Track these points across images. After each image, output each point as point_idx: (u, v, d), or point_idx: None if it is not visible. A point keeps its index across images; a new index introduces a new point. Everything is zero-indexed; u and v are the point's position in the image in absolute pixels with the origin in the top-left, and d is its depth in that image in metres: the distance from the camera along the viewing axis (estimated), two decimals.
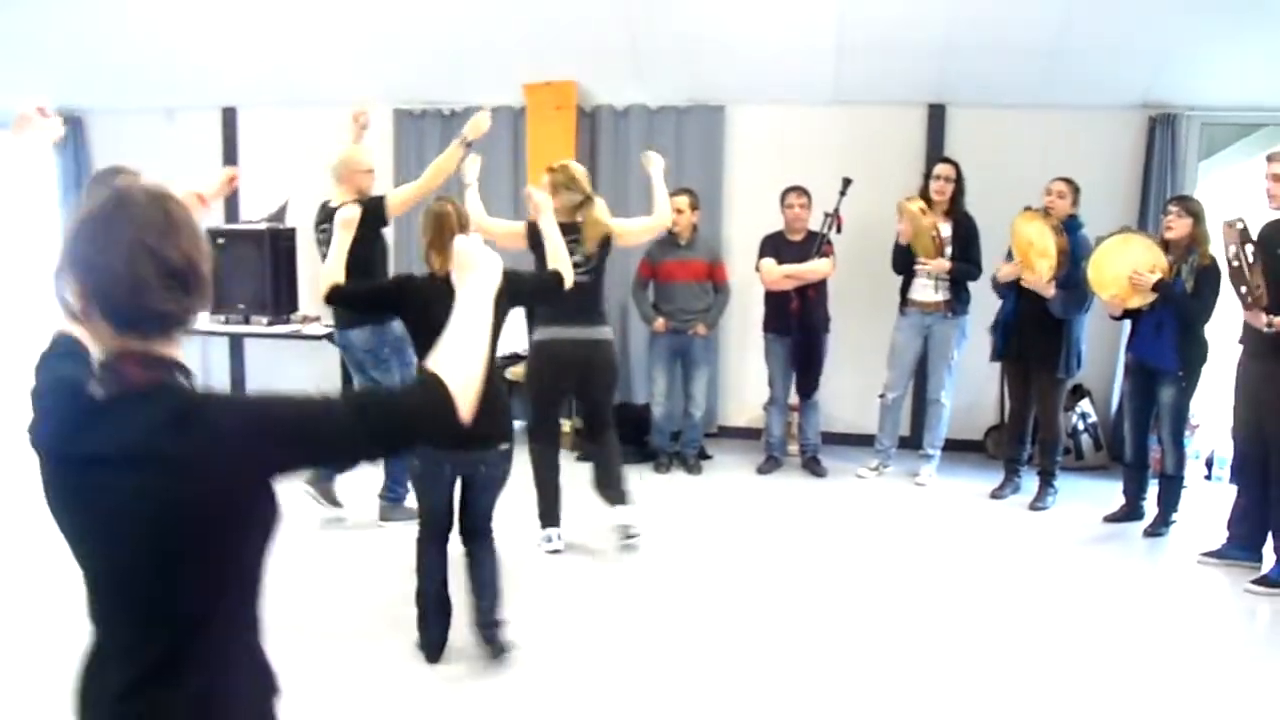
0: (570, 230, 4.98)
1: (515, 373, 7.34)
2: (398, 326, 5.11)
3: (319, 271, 4.17)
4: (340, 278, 3.99)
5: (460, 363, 1.66)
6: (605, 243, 5.27)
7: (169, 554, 1.51)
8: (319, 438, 1.58)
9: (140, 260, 1.48)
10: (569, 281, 4.17)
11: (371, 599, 4.62)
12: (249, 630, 1.67)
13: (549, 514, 5.32)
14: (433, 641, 4.04)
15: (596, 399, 5.45)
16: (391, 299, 4.23)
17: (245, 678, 1.67)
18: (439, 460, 3.89)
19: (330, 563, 5.09)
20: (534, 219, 4.60)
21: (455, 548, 4.05)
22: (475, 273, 1.82)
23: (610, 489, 5.42)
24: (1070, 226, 5.91)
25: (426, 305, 3.65)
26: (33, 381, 1.68)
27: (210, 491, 1.49)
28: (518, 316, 6.83)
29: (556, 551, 5.26)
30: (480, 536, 4.08)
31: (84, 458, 1.50)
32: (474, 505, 4.05)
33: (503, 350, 6.60)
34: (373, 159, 5.65)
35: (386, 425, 1.60)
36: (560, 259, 4.17)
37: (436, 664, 4.02)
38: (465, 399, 1.62)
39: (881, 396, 6.81)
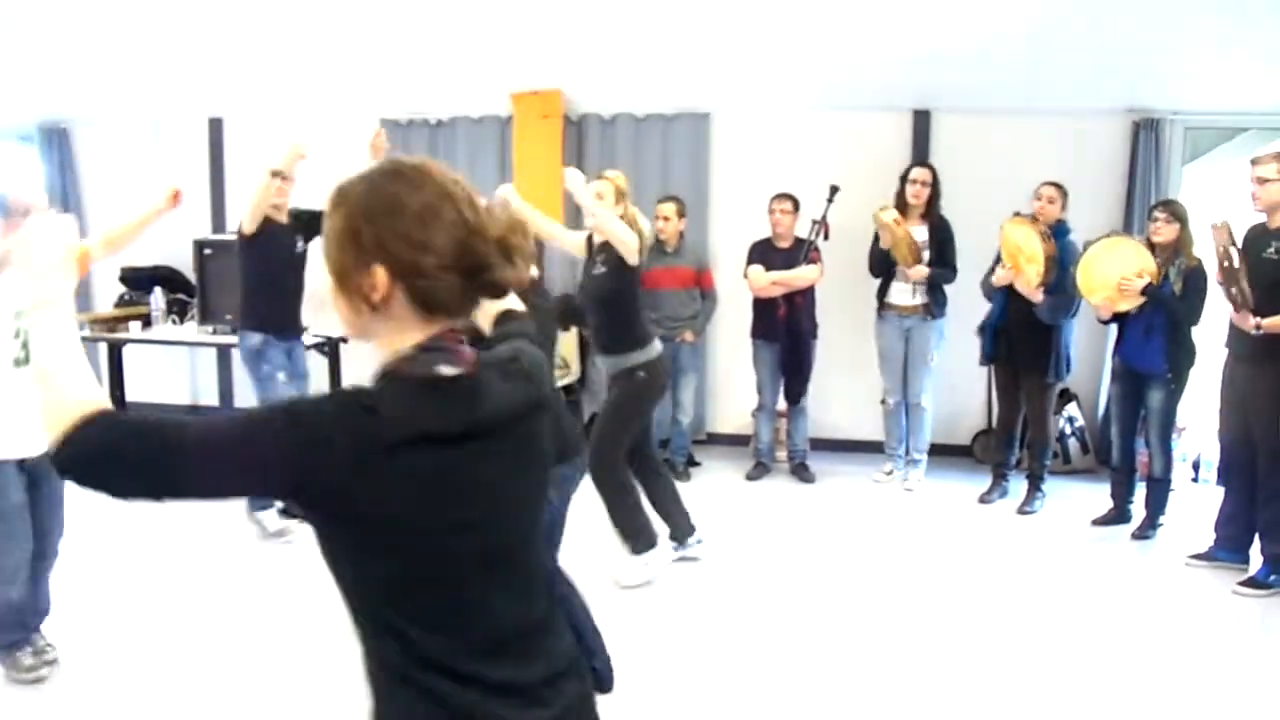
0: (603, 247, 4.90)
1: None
2: None
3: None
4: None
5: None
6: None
7: (542, 501, 1.69)
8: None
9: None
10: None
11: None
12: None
13: (684, 526, 5.27)
14: None
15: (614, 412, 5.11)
16: None
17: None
18: None
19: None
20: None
21: None
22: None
23: (635, 534, 5.06)
24: (1058, 232, 5.93)
25: None
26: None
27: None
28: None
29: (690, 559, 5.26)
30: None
31: (484, 428, 1.51)
32: None
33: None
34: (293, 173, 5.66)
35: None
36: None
37: None
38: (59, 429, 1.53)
39: (883, 402, 6.82)
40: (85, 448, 1.36)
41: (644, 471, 5.16)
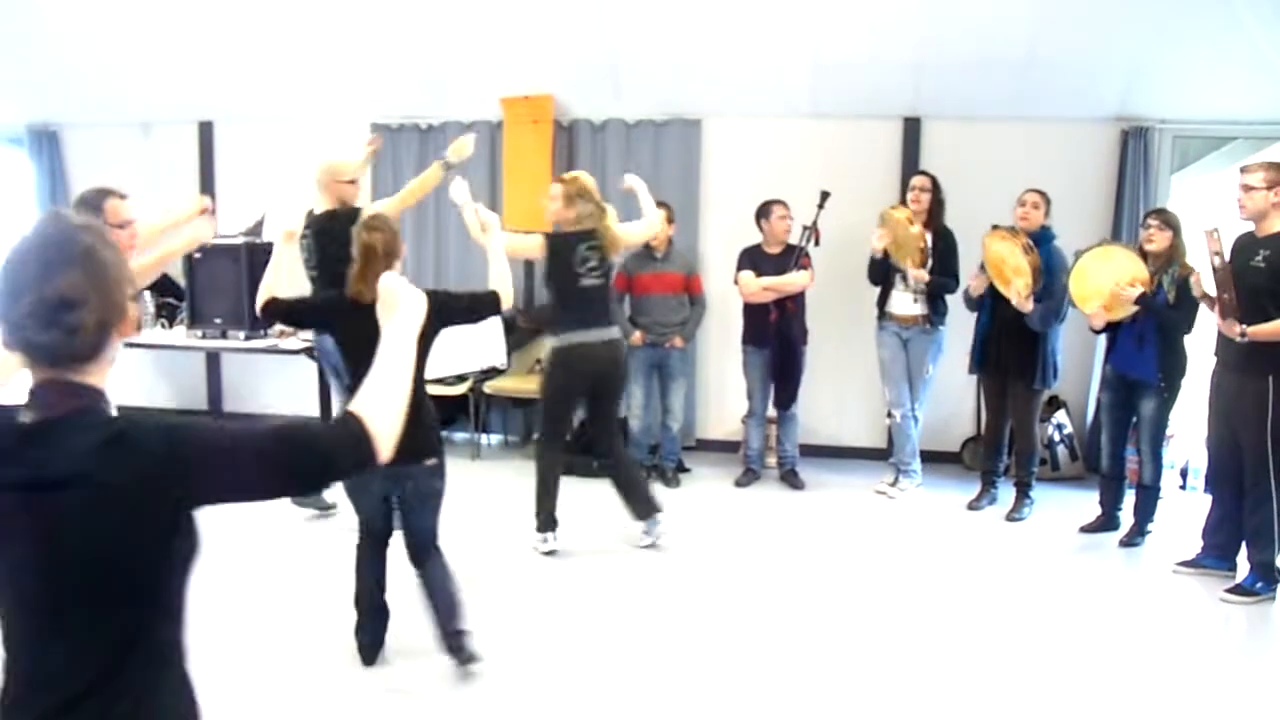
0: (587, 236, 5.29)
1: (495, 386, 7.33)
2: None
3: (286, 284, 4.16)
4: (277, 291, 4.04)
5: (382, 402, 1.70)
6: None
7: (99, 579, 1.54)
8: (241, 469, 1.60)
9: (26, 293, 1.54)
10: (507, 302, 4.11)
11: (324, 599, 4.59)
12: (175, 655, 1.68)
13: (549, 518, 5.48)
14: (365, 644, 4.11)
15: (612, 400, 5.57)
16: (318, 318, 4.44)
17: (170, 702, 1.68)
18: (365, 476, 3.77)
19: (304, 562, 5.06)
20: (477, 239, 4.62)
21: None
22: (399, 312, 1.87)
23: (642, 501, 5.55)
24: (1043, 238, 5.95)
25: (350, 328, 3.79)
26: None
27: (138, 516, 1.53)
28: (495, 331, 6.85)
29: (551, 553, 5.43)
30: (425, 555, 4.04)
31: (14, 483, 1.51)
32: (411, 524, 4.02)
33: (465, 367, 6.73)
34: (357, 171, 5.58)
35: (307, 462, 1.63)
36: (501, 279, 4.09)
37: (372, 666, 4.10)
38: (386, 439, 1.67)
39: (889, 416, 6.80)
40: None
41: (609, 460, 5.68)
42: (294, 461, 1.62)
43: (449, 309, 3.87)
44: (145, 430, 1.55)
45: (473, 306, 4.09)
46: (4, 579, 1.56)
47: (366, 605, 4.10)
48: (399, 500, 4.00)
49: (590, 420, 5.80)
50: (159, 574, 1.59)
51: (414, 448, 3.67)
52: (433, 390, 6.01)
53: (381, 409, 1.69)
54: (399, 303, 1.87)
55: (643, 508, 5.52)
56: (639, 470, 5.67)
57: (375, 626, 4.12)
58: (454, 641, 3.99)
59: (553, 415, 5.54)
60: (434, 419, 4.03)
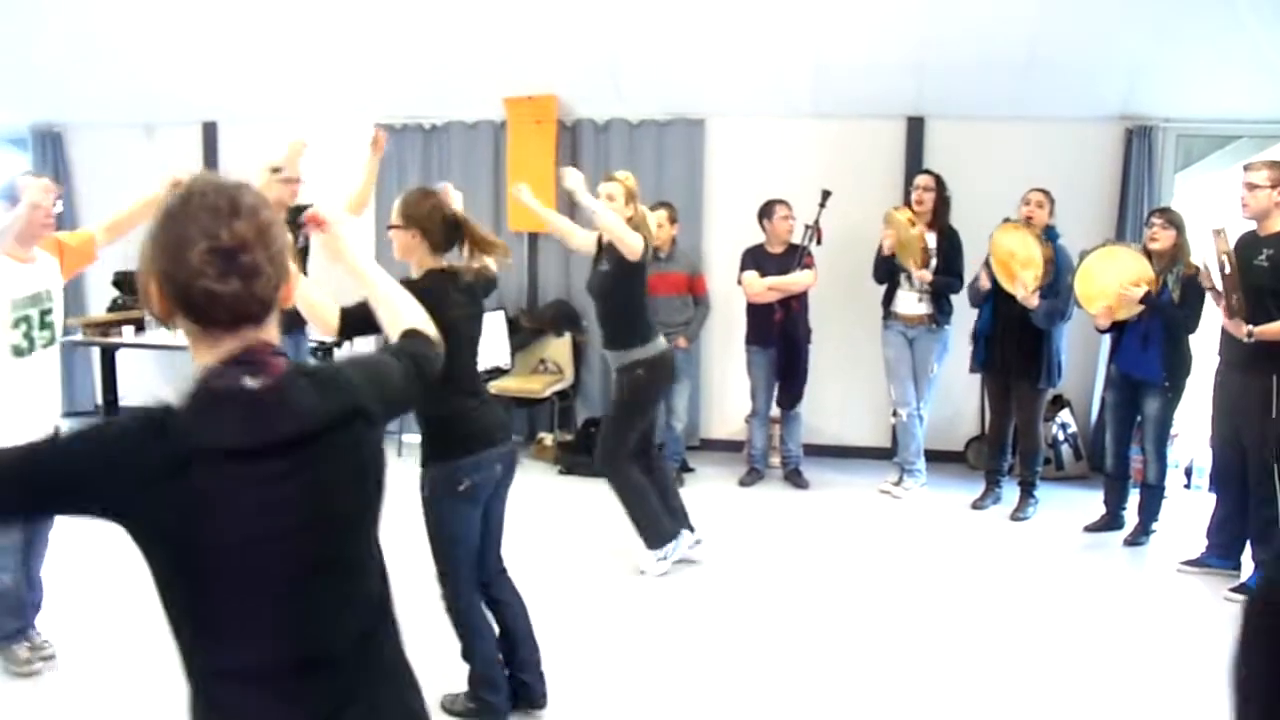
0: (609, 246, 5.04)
1: (499, 386, 7.33)
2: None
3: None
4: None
5: (411, 311, 2.00)
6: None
7: (374, 511, 1.67)
8: (398, 389, 1.78)
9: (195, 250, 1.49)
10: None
11: None
12: None
13: (665, 530, 5.22)
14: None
15: (627, 411, 5.23)
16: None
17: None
18: (491, 461, 3.46)
19: None
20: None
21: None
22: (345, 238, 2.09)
23: (651, 529, 5.21)
24: (1048, 237, 5.94)
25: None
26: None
27: (379, 440, 1.69)
28: (499, 332, 6.84)
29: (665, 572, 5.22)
30: (503, 572, 3.75)
31: (280, 443, 1.51)
32: (496, 522, 3.63)
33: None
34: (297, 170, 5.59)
35: (425, 368, 1.85)
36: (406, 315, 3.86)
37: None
38: (434, 335, 1.95)
39: (894, 415, 6.80)
40: None
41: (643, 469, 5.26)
42: (420, 371, 1.83)
43: (562, 319, 3.88)
44: (346, 368, 1.70)
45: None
46: (266, 556, 1.52)
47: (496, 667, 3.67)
48: (494, 493, 3.61)
49: (648, 429, 5.38)
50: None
51: (507, 425, 3.76)
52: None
53: (414, 316, 1.98)
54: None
55: (650, 534, 5.20)
56: (644, 495, 5.19)
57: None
58: (538, 682, 3.75)
59: (637, 427, 5.17)
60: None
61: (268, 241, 1.52)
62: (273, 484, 1.49)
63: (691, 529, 5.39)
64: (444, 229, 3.38)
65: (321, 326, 2.99)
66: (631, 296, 5.03)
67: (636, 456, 5.18)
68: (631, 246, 4.81)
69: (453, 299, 3.33)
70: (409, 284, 3.01)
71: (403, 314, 1.99)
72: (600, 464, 5.22)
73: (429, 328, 1.95)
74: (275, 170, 5.32)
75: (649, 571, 5.17)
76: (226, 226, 1.47)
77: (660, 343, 5.15)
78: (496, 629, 3.64)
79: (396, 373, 1.77)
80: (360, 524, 1.64)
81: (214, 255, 1.46)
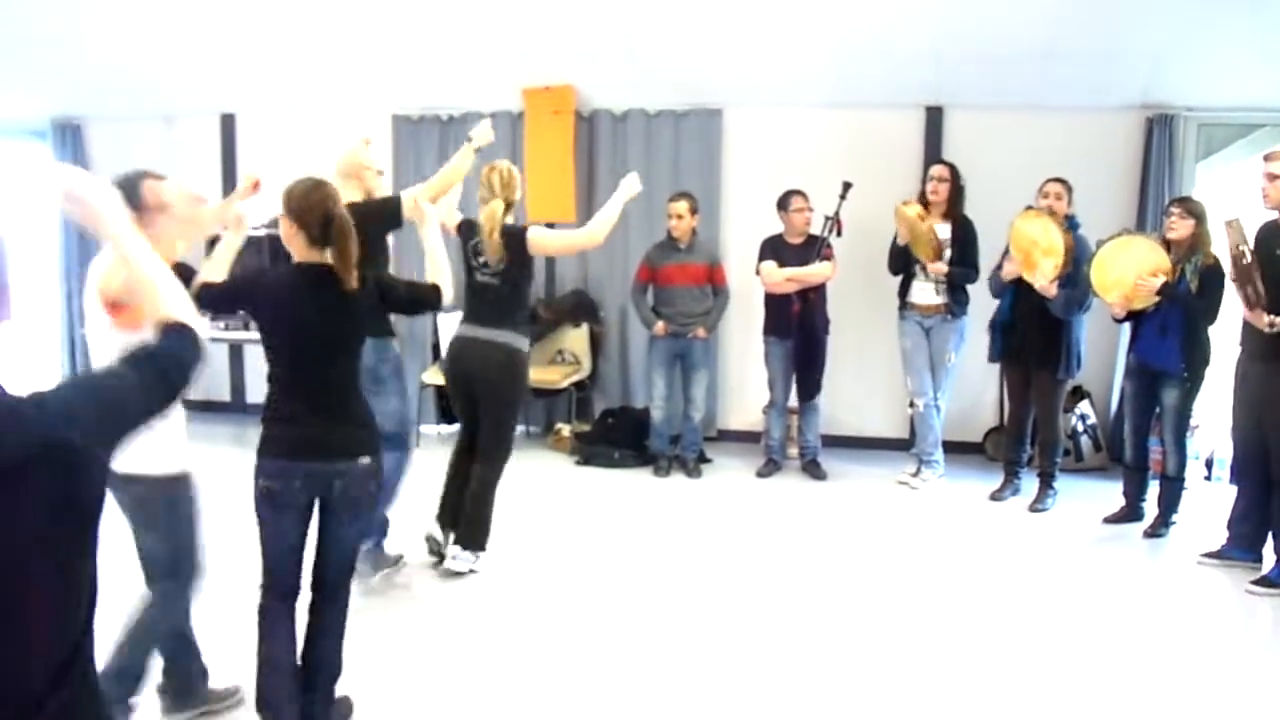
0: (474, 231, 4.99)
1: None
2: (397, 345, 4.86)
3: None
4: (216, 276, 3.43)
5: (165, 293, 1.79)
6: (515, 248, 4.90)
7: (71, 549, 1.50)
8: (131, 405, 1.61)
9: None
10: (448, 296, 3.72)
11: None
12: None
13: (445, 519, 5.06)
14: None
15: (486, 408, 4.96)
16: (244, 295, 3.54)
17: None
18: (289, 473, 3.19)
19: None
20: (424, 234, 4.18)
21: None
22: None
23: (466, 524, 4.95)
24: (1067, 227, 5.91)
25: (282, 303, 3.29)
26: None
27: (100, 472, 1.51)
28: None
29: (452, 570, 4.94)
30: (337, 587, 3.37)
31: None
32: (331, 537, 3.30)
33: None
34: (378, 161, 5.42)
35: (174, 371, 1.70)
36: (440, 271, 3.74)
37: None
38: (189, 319, 1.78)
39: (912, 405, 6.78)
40: None
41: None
42: (168, 371, 1.68)
43: (385, 295, 3.55)
44: (26, 404, 1.49)
45: (412, 296, 3.76)
46: None
47: (287, 680, 3.30)
48: (322, 508, 3.27)
49: (468, 423, 5.13)
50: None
51: (345, 444, 3.26)
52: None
53: (173, 303, 1.78)
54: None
55: (466, 532, 4.95)
56: (490, 493, 4.99)
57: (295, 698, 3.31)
58: (320, 711, 3.37)
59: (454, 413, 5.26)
60: (369, 415, 3.37)
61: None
62: None
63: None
64: (321, 225, 3.21)
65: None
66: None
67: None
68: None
69: (302, 294, 3.23)
70: (260, 271, 3.02)
71: (161, 299, 1.79)
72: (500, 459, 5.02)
73: (189, 316, 1.77)
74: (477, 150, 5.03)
75: (456, 569, 4.93)
76: None
77: (460, 329, 5.02)
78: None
79: (130, 388, 1.60)
80: (48, 567, 1.44)
81: None
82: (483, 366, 4.93)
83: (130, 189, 3.34)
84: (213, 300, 3.36)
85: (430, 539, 5.07)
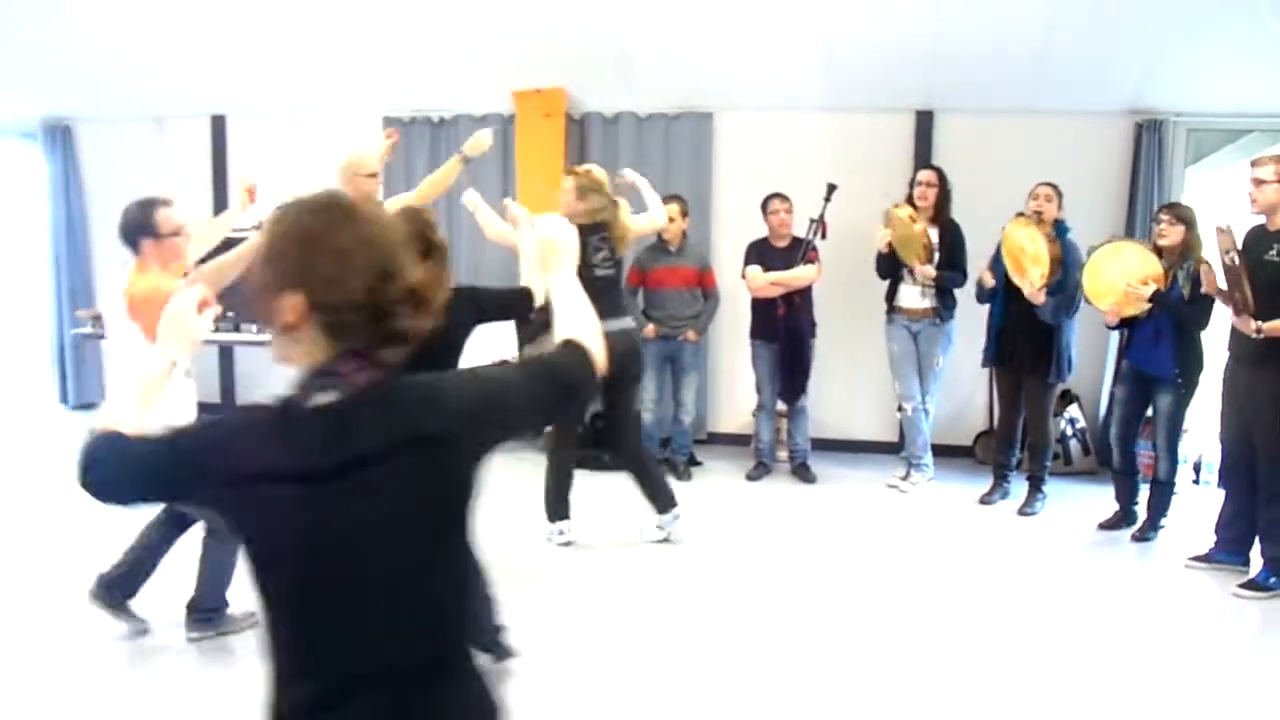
0: (597, 229, 5.26)
1: None
2: None
3: None
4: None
5: (585, 327, 1.80)
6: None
7: (441, 536, 1.60)
8: (516, 412, 1.68)
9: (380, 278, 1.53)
10: (539, 299, 3.85)
11: None
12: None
13: (564, 507, 5.50)
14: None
15: (627, 390, 5.52)
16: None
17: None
18: None
19: None
20: (496, 238, 4.88)
21: None
22: (560, 256, 1.93)
23: (662, 493, 5.54)
24: (1057, 231, 5.93)
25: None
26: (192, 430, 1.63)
27: (468, 468, 1.60)
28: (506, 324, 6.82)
29: (568, 544, 5.47)
30: None
31: (339, 465, 1.49)
32: None
33: (475, 362, 6.50)
34: (378, 164, 5.50)
35: (567, 391, 1.73)
36: (533, 276, 3.87)
37: None
38: (601, 358, 1.77)
39: (900, 409, 6.77)
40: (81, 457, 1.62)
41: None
42: (555, 390, 1.71)
43: (481, 305, 3.65)
44: (452, 385, 1.63)
45: (504, 303, 3.91)
46: (328, 571, 1.53)
47: None
48: None
49: (606, 411, 5.75)
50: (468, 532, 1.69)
51: None
52: None
53: (588, 332, 1.78)
54: (559, 246, 1.93)
55: (662, 500, 5.51)
56: (654, 463, 5.70)
57: None
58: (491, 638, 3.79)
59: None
60: None
61: None
62: (318, 505, 1.49)
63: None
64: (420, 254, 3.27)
65: None
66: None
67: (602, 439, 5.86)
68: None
69: None
70: None
71: (570, 321, 1.83)
72: (619, 454, 5.65)
73: (593, 343, 1.78)
74: (466, 160, 5.34)
75: (552, 540, 5.47)
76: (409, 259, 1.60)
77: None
78: None
79: (519, 395, 1.67)
80: (403, 544, 1.55)
81: (411, 295, 1.56)
82: (626, 355, 5.26)
83: (147, 219, 3.64)
84: None
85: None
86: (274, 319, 1.54)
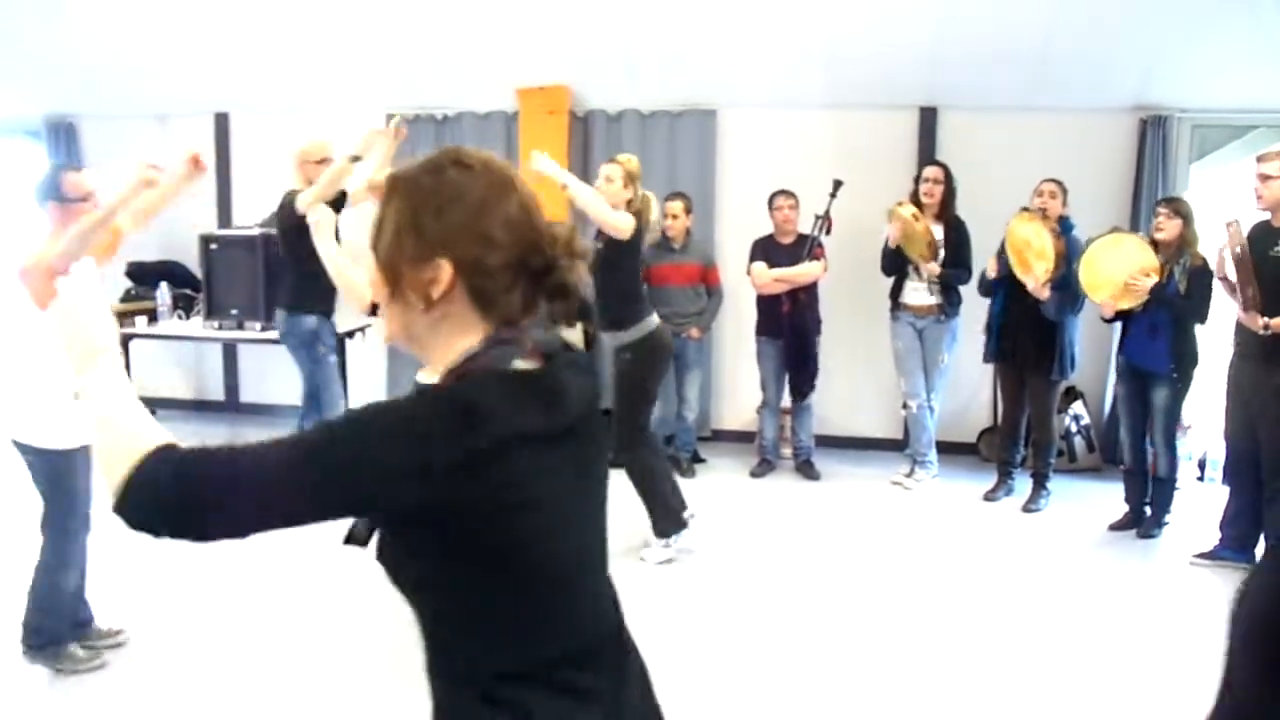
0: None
1: None
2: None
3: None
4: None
5: None
6: None
7: (605, 506, 1.61)
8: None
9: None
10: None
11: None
12: None
13: (678, 518, 5.25)
14: None
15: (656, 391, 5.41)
16: None
17: None
18: None
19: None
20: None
21: None
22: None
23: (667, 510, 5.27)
24: (1062, 228, 5.92)
25: None
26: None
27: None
28: None
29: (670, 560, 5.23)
30: None
31: (566, 430, 1.44)
32: None
33: None
34: (332, 150, 5.66)
35: None
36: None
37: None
38: None
39: (905, 406, 6.77)
40: (145, 492, 1.26)
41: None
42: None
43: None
44: (574, 353, 1.59)
45: None
46: (564, 537, 1.47)
47: None
48: None
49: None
50: None
51: None
52: None
53: None
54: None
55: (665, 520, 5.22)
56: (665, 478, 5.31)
57: None
58: None
59: (645, 409, 5.28)
60: None
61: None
62: (563, 471, 1.42)
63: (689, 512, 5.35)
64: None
65: (356, 301, 2.95)
66: (618, 277, 4.99)
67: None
68: (615, 225, 4.93)
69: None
70: None
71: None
72: (619, 453, 5.02)
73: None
74: (355, 159, 5.42)
75: (650, 559, 5.19)
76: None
77: (650, 322, 5.13)
78: None
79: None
80: (605, 512, 1.59)
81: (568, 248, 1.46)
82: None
83: (53, 182, 3.66)
84: None
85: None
86: (419, 295, 1.40)
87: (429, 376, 1.46)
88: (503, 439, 1.31)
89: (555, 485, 1.40)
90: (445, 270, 1.38)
